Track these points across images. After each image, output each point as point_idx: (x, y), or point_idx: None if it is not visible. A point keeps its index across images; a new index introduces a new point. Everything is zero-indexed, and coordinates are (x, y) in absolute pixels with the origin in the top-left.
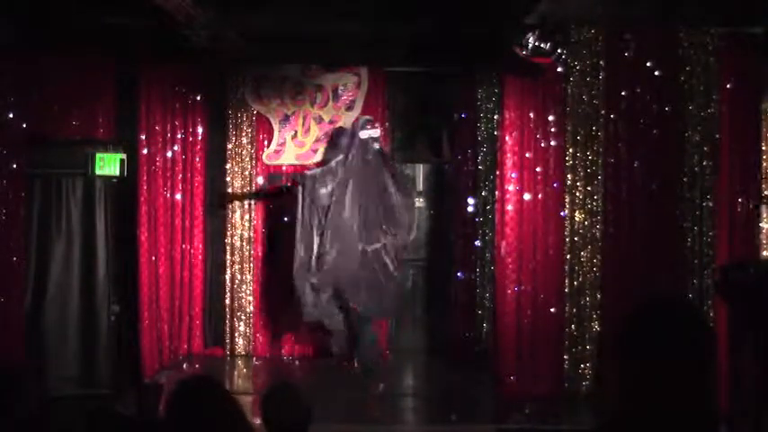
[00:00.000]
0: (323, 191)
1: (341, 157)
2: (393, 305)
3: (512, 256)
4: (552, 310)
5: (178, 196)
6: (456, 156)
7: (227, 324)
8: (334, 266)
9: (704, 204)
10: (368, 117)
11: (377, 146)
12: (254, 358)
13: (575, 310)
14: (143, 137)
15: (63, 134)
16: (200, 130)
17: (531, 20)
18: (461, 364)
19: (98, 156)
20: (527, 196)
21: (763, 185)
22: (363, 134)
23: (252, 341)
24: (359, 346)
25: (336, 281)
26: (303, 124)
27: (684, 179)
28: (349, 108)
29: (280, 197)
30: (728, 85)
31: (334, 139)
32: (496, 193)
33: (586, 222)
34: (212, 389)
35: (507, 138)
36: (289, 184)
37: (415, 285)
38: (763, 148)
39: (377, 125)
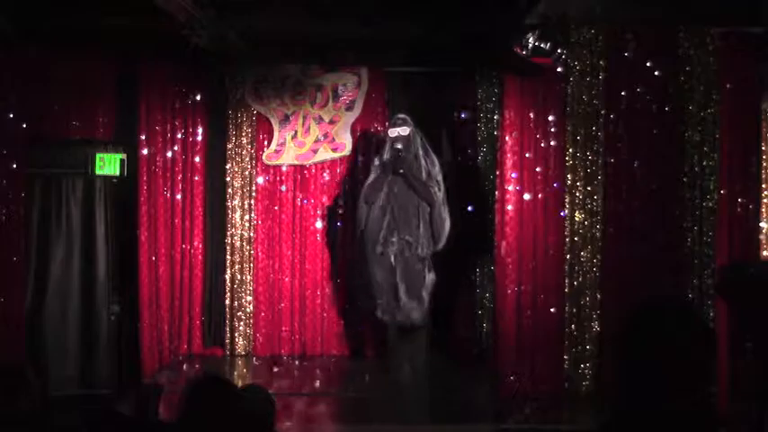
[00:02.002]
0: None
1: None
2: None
3: (512, 256)
4: (552, 310)
5: (178, 196)
6: (456, 156)
7: (227, 324)
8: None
9: (704, 204)
10: (401, 115)
11: (419, 146)
12: (254, 358)
13: (575, 310)
14: (143, 137)
15: (63, 134)
16: (200, 130)
17: (531, 20)
18: (461, 363)
19: (98, 156)
20: (527, 196)
21: (764, 185)
22: (392, 132)
23: (252, 341)
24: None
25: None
26: (303, 124)
27: (684, 179)
28: (349, 108)
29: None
30: (728, 85)
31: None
32: (496, 193)
33: (586, 222)
34: (225, 389)
35: (507, 138)
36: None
37: None
38: (763, 148)
39: (405, 124)
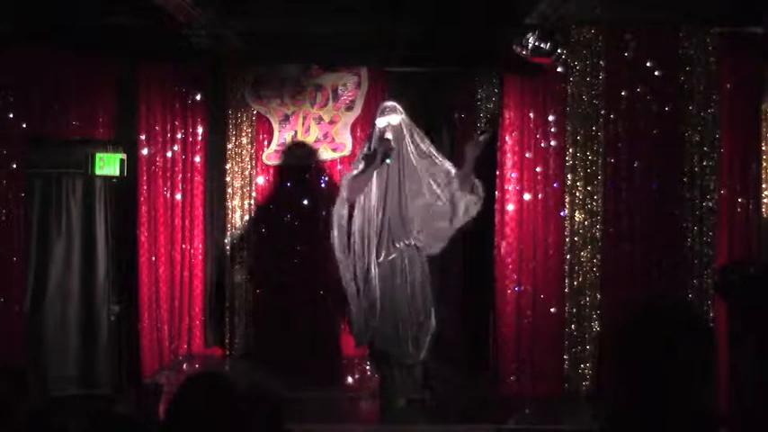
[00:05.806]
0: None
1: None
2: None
3: (512, 256)
4: (552, 310)
5: (178, 196)
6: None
7: (227, 324)
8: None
9: (704, 204)
10: (390, 103)
11: (420, 138)
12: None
13: (575, 310)
14: (143, 137)
15: (63, 134)
16: (200, 130)
17: (530, 20)
18: (461, 363)
19: (98, 156)
20: (527, 196)
21: (764, 185)
22: (380, 122)
23: (252, 341)
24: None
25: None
26: (303, 124)
27: (684, 179)
28: (349, 108)
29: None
30: (728, 85)
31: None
32: (496, 193)
33: (586, 222)
34: (217, 386)
35: (507, 138)
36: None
37: None
38: (763, 148)
39: (394, 112)
